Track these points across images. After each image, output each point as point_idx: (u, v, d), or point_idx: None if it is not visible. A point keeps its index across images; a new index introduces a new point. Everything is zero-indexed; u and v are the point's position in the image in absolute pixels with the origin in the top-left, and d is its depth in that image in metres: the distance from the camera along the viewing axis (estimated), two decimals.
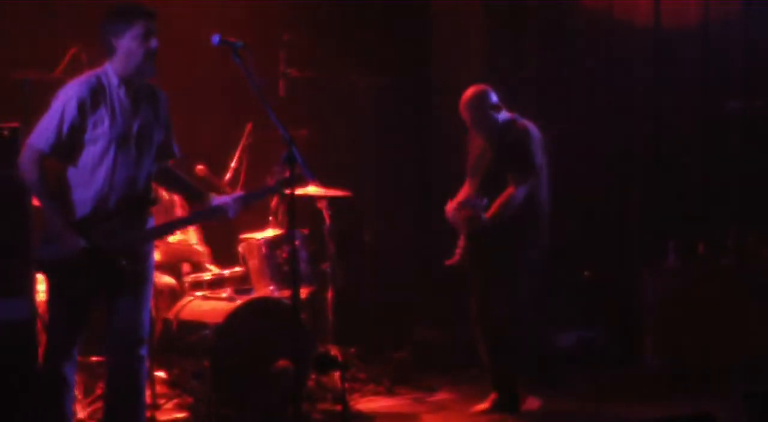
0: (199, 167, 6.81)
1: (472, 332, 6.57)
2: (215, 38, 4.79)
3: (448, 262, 6.47)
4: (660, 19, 8.07)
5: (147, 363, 5.10)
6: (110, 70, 4.86)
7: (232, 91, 7.11)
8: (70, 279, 4.80)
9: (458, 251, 6.43)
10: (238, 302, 6.26)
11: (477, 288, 6.46)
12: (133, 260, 4.87)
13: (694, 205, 8.03)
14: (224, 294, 6.56)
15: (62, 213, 4.79)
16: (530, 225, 6.34)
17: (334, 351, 6.84)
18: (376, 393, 7.01)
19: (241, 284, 6.84)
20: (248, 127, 6.98)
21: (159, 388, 6.28)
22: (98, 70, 4.89)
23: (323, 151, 7.32)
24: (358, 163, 8.03)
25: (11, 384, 5.24)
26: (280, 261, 6.62)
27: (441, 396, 7.03)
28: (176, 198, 6.70)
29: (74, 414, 5.31)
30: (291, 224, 4.97)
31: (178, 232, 6.58)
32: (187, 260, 7.00)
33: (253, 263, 6.71)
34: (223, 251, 7.15)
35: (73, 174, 4.84)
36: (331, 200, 6.94)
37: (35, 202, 5.17)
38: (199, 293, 6.63)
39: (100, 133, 4.80)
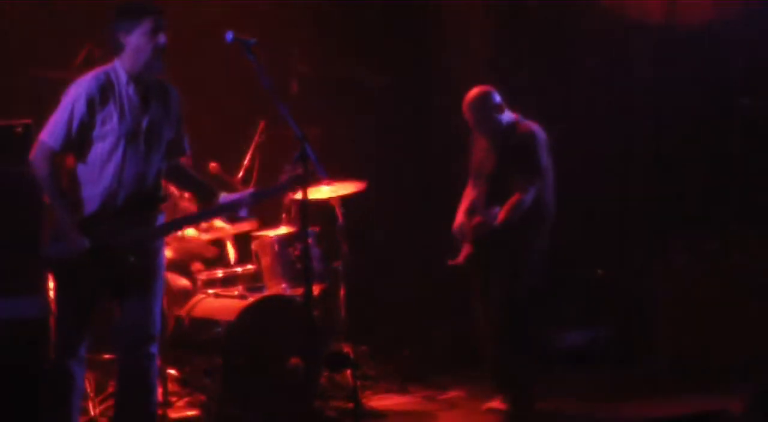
0: (212, 165, 6.83)
1: (474, 332, 6.57)
2: (228, 35, 4.78)
3: (451, 262, 6.46)
4: (660, 19, 8.03)
5: (158, 361, 5.07)
6: (119, 67, 4.86)
7: (244, 88, 7.11)
8: (76, 278, 4.80)
9: (462, 255, 6.42)
10: (251, 299, 6.27)
11: (478, 288, 6.45)
12: (142, 257, 4.85)
13: (694, 205, 8.00)
14: (236, 292, 6.57)
15: (70, 212, 4.79)
16: (534, 227, 6.30)
17: (346, 348, 6.84)
18: (388, 391, 7.02)
19: (253, 281, 6.84)
20: (261, 124, 6.99)
21: (171, 386, 6.27)
22: (107, 67, 4.89)
23: (333, 148, 7.32)
24: (359, 163, 8.03)
25: (25, 382, 5.24)
26: (292, 258, 6.62)
27: (452, 393, 7.02)
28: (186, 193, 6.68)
29: (81, 410, 5.29)
30: (304, 222, 4.96)
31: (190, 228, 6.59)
32: (198, 257, 7.00)
33: (266, 260, 6.72)
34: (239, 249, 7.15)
35: (82, 170, 4.84)
36: (344, 198, 6.94)
37: (46, 200, 5.18)
38: (211, 291, 6.64)
39: (108, 129, 4.79)
